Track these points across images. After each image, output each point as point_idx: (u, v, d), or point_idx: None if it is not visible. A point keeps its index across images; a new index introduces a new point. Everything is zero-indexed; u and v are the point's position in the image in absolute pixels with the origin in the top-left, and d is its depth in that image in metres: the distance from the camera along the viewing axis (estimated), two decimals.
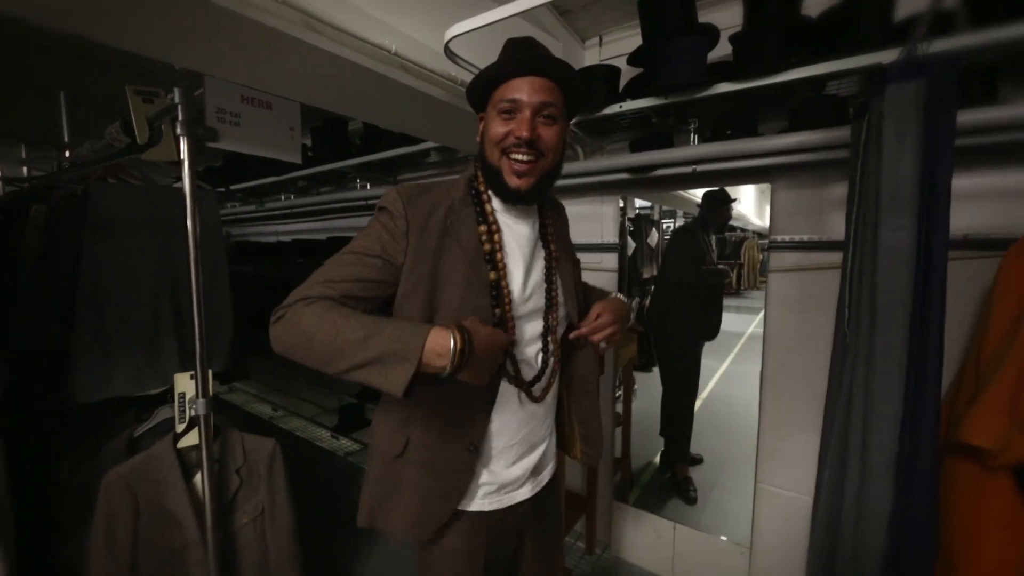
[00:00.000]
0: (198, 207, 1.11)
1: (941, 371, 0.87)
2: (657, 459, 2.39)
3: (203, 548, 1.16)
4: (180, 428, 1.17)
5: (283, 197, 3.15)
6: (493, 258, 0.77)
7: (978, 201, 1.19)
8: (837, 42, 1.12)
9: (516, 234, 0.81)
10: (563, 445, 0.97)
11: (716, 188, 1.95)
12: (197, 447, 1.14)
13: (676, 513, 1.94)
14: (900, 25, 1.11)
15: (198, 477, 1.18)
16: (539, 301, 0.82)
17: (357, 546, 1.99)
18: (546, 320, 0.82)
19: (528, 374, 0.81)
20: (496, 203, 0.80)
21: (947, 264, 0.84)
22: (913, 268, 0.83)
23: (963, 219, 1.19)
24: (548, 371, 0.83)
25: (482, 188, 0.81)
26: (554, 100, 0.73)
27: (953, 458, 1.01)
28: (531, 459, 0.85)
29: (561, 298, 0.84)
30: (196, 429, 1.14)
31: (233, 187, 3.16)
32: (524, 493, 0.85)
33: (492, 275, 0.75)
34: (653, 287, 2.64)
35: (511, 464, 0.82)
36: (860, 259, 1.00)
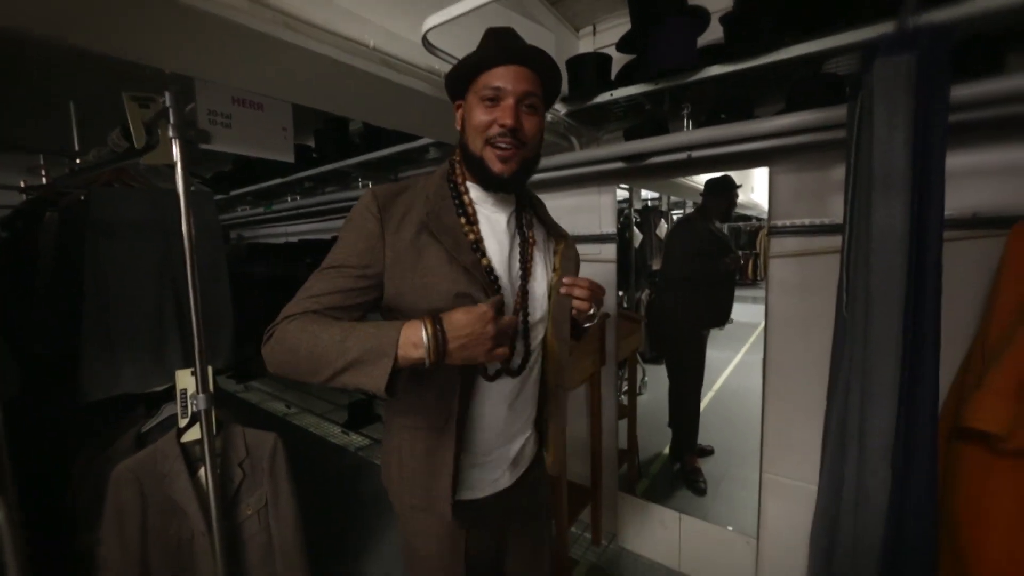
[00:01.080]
0: (194, 208, 1.14)
1: (938, 353, 0.83)
2: (666, 451, 2.37)
3: (209, 538, 1.19)
4: (183, 423, 1.21)
5: (290, 199, 3.21)
6: (479, 246, 0.77)
7: (986, 178, 1.14)
8: (831, 17, 1.08)
9: (493, 224, 0.81)
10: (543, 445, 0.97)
11: (718, 176, 1.91)
12: (200, 441, 1.18)
13: (685, 504, 1.92)
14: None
15: (202, 471, 1.21)
16: (514, 282, 0.82)
17: (367, 539, 2.03)
18: (525, 310, 0.82)
19: (508, 363, 0.81)
20: (475, 193, 0.81)
21: (942, 245, 0.81)
22: (907, 250, 0.80)
23: (971, 197, 1.15)
24: (525, 352, 0.83)
25: (460, 180, 0.81)
26: (536, 90, 0.74)
27: (960, 443, 0.98)
28: (511, 449, 0.85)
29: (536, 281, 0.84)
30: (198, 424, 1.17)
31: (239, 191, 3.22)
32: (503, 483, 0.85)
33: (484, 260, 0.76)
34: (656, 280, 2.61)
35: (490, 453, 0.82)
36: (856, 242, 0.97)
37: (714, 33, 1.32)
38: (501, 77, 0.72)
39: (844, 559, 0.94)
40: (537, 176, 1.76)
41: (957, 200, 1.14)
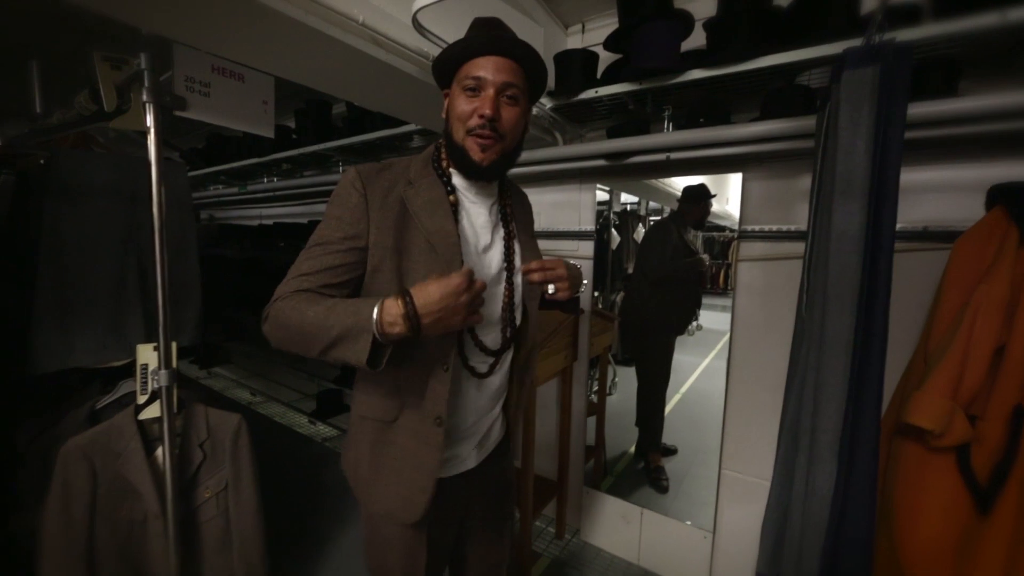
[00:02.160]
0: (166, 177, 1.10)
1: (885, 352, 0.89)
2: (632, 449, 2.42)
3: (163, 521, 1.15)
4: (142, 400, 1.16)
5: (266, 180, 3.12)
6: (460, 233, 0.77)
7: (937, 194, 1.22)
8: (806, 32, 1.14)
9: (473, 213, 0.82)
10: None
11: (695, 183, 1.97)
12: (159, 419, 1.14)
13: (648, 501, 1.97)
14: (865, 17, 1.13)
15: (160, 450, 1.17)
16: (500, 273, 0.83)
17: (329, 528, 2.00)
18: (509, 285, 0.84)
19: (491, 341, 0.82)
20: (457, 180, 0.82)
21: (893, 251, 0.87)
22: (862, 252, 0.85)
23: (923, 211, 1.23)
24: (505, 349, 0.84)
25: (444, 166, 0.82)
26: (517, 82, 0.75)
27: (902, 439, 1.04)
28: (480, 427, 0.86)
29: (519, 265, 0.86)
30: (158, 401, 1.13)
31: (213, 168, 3.11)
32: (470, 463, 0.86)
33: (460, 248, 0.76)
34: (627, 282, 2.66)
35: (462, 435, 0.83)
36: (817, 245, 1.02)
37: (698, 40, 1.36)
38: (483, 67, 0.73)
39: (791, 545, 0.99)
40: (521, 169, 1.78)
41: (911, 213, 1.22)
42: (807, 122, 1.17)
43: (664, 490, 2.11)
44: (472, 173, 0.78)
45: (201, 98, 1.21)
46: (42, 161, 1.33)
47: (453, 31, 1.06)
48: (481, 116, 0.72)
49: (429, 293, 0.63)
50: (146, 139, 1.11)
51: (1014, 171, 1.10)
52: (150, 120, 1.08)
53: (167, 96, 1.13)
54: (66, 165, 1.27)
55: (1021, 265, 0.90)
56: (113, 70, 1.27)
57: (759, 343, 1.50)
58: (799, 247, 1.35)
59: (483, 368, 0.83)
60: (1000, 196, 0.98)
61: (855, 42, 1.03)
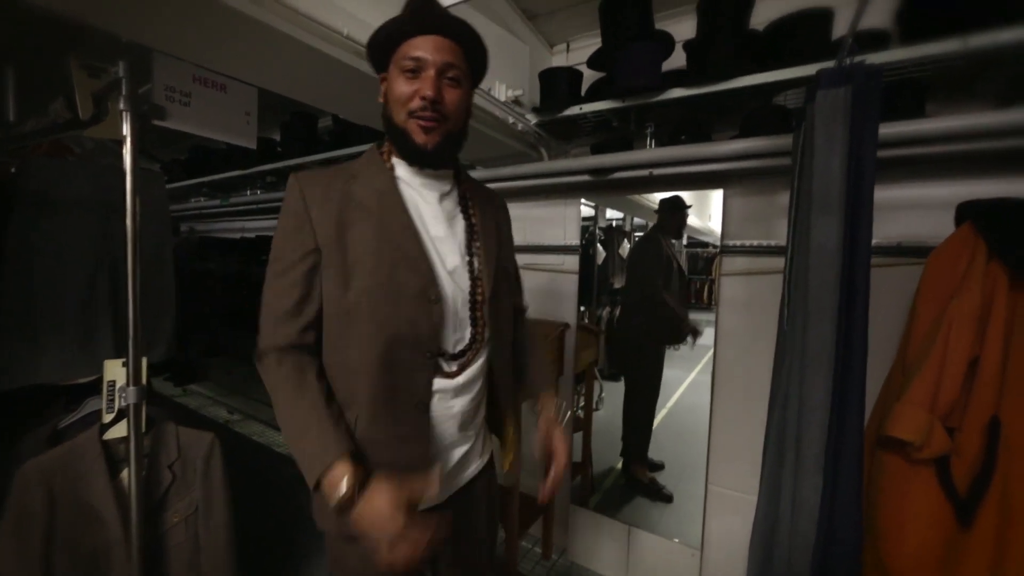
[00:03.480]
0: (142, 188, 1.08)
1: (865, 364, 0.90)
2: (619, 465, 2.40)
3: (126, 548, 1.09)
4: (107, 419, 1.11)
5: (249, 192, 3.08)
6: (409, 224, 0.74)
7: (910, 210, 1.26)
8: (781, 54, 1.18)
9: (421, 204, 0.78)
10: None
11: (670, 195, 2.06)
12: (125, 439, 1.08)
13: (636, 517, 1.94)
14: (837, 41, 1.17)
15: (125, 472, 1.11)
16: (462, 271, 0.78)
17: (307, 553, 1.92)
18: (473, 291, 0.78)
19: (453, 346, 0.77)
20: (401, 170, 0.78)
21: (870, 261, 0.88)
22: (839, 266, 0.87)
23: (897, 227, 1.26)
24: (474, 347, 0.79)
25: (386, 158, 0.79)
26: (458, 63, 0.72)
27: (883, 451, 1.05)
28: (448, 459, 0.80)
29: (483, 261, 0.80)
30: (125, 420, 1.08)
31: (194, 180, 3.07)
32: (431, 500, 0.78)
33: (415, 239, 0.73)
34: (621, 297, 2.69)
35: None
36: (797, 260, 1.04)
37: (678, 60, 1.40)
38: (421, 47, 0.69)
39: (780, 561, 0.97)
40: (506, 184, 1.78)
41: (887, 229, 1.25)
42: (784, 140, 1.21)
43: (669, 499, 2.11)
44: (416, 157, 0.75)
45: (181, 108, 1.19)
46: (13, 169, 1.29)
47: None
48: (423, 98, 0.69)
49: (374, 506, 0.62)
50: (121, 148, 1.08)
51: (980, 188, 1.14)
52: (126, 129, 1.06)
53: (145, 105, 1.11)
54: (37, 174, 1.23)
55: (990, 279, 0.93)
56: (90, 78, 1.24)
57: (743, 357, 1.51)
58: (780, 261, 1.38)
59: (449, 380, 0.77)
60: (968, 213, 1.02)
61: (827, 65, 1.07)
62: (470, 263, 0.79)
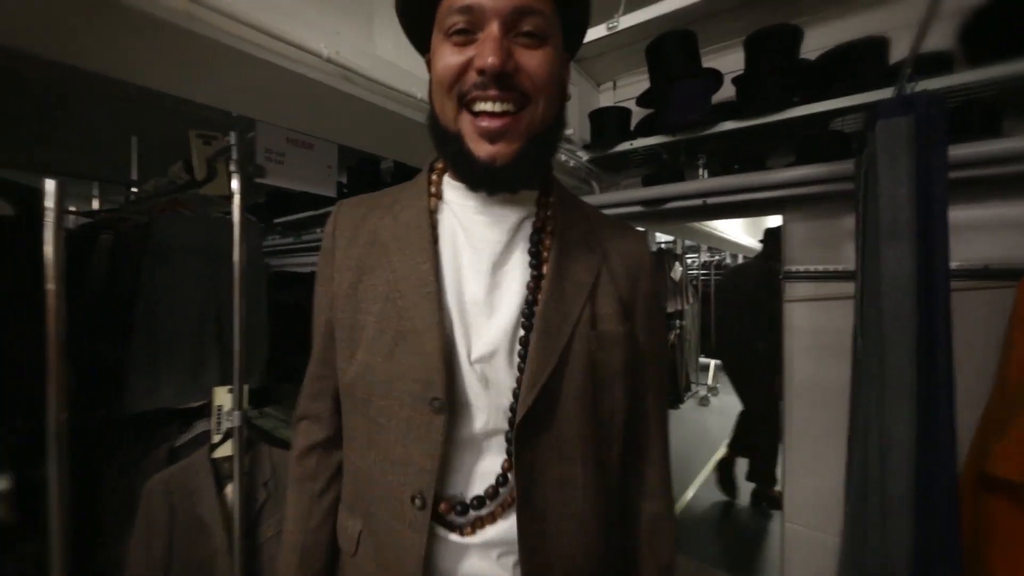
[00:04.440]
0: (245, 237, 1.25)
1: (953, 395, 0.86)
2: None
3: (230, 558, 1.21)
4: (216, 439, 1.26)
5: (319, 230, 3.38)
6: (437, 279, 0.49)
7: (995, 232, 1.18)
8: (836, 82, 1.18)
9: (473, 236, 0.52)
10: None
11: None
12: (230, 458, 1.22)
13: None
14: (896, 65, 1.16)
15: (229, 487, 1.25)
16: (502, 361, 0.49)
17: None
18: (520, 367, 0.48)
19: (463, 492, 0.49)
20: (451, 194, 0.54)
21: (950, 289, 0.86)
22: (915, 294, 0.85)
23: (982, 250, 1.19)
24: (497, 498, 0.49)
25: (436, 177, 0.57)
26: (541, 7, 0.46)
27: (989, 494, 0.97)
28: None
29: (549, 336, 0.48)
30: (230, 440, 1.22)
31: (276, 221, 3.41)
32: None
33: (433, 301, 0.48)
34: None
35: None
36: (868, 288, 1.02)
37: (728, 91, 1.43)
38: None
39: None
40: None
41: (970, 252, 1.18)
42: (844, 166, 1.19)
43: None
44: (480, 179, 0.49)
45: (277, 166, 1.38)
46: (143, 223, 1.53)
47: None
48: (480, 71, 0.44)
49: None
50: (223, 202, 1.26)
51: None
52: (235, 186, 1.24)
53: (251, 167, 1.29)
54: (161, 227, 1.45)
55: None
56: (205, 145, 1.47)
57: (814, 388, 1.45)
58: (848, 287, 1.33)
59: (460, 527, 0.49)
60: None
61: (885, 92, 1.06)
62: (523, 347, 0.49)
